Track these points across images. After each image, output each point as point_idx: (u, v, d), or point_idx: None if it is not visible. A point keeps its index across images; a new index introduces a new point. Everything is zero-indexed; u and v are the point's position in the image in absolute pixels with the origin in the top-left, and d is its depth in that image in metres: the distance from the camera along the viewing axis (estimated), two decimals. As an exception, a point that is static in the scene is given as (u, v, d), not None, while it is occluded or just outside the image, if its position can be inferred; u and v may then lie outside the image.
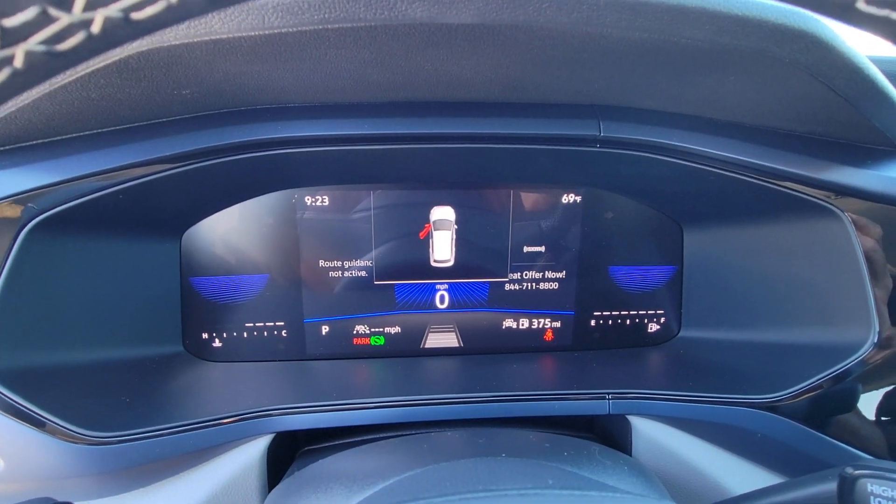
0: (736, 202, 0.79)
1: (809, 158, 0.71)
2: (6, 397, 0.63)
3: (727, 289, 0.86)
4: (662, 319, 0.92)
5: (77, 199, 0.66)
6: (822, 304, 0.77)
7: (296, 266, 0.84)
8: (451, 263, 0.87)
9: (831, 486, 0.49)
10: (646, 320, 0.92)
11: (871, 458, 0.74)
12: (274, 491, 0.63)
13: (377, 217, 0.84)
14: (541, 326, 0.92)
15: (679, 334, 0.92)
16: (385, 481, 0.53)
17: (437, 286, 0.88)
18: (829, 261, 0.74)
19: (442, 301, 0.89)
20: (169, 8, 0.23)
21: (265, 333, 0.86)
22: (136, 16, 0.23)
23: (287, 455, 0.78)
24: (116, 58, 0.53)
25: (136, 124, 0.69)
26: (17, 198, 0.63)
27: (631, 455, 0.77)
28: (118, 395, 0.72)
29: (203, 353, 0.85)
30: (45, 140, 0.67)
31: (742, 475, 0.76)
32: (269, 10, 0.49)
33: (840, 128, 0.71)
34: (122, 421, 0.68)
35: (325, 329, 0.88)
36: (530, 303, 0.90)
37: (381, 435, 0.75)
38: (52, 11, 0.21)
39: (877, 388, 0.76)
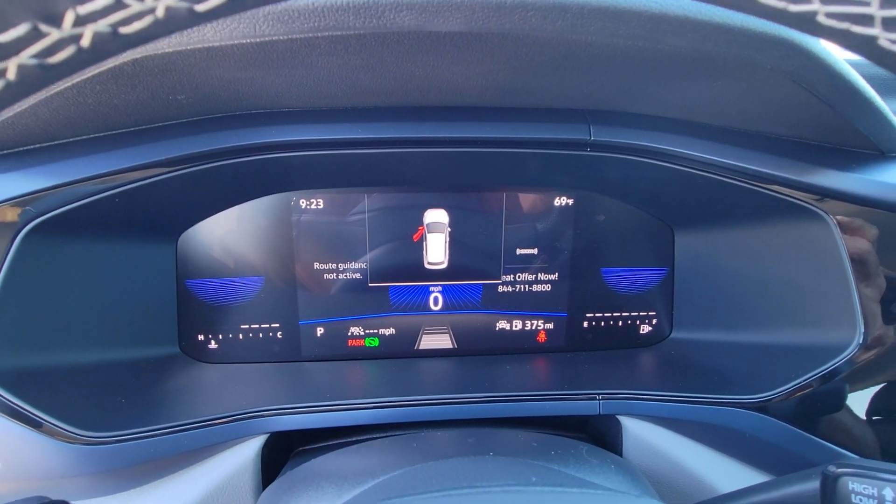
0: (725, 205, 0.80)
1: (795, 162, 0.72)
2: (3, 398, 0.64)
3: (717, 291, 0.87)
4: (654, 321, 0.93)
5: (74, 202, 0.66)
6: (809, 305, 0.78)
7: (291, 268, 0.85)
8: (444, 266, 0.88)
9: (814, 485, 0.50)
10: (637, 322, 0.93)
11: (855, 456, 0.75)
12: (266, 490, 0.64)
13: (371, 220, 0.85)
14: (534, 328, 0.92)
15: (670, 336, 0.93)
16: (374, 479, 0.54)
17: (431, 288, 0.89)
18: (816, 263, 0.75)
19: (436, 303, 0.90)
20: (156, 23, 0.24)
21: (261, 335, 0.87)
22: (124, 30, 0.24)
23: (282, 455, 0.79)
24: (111, 65, 0.54)
25: (133, 129, 0.69)
26: (15, 201, 0.64)
27: (622, 455, 0.77)
28: (115, 396, 0.73)
29: (199, 354, 0.86)
30: (43, 144, 0.68)
31: (731, 475, 0.77)
32: (260, 19, 0.50)
33: (825, 132, 0.73)
34: (118, 421, 0.69)
35: (320, 331, 0.89)
36: (523, 304, 0.91)
37: (375, 435, 0.75)
38: (43, 27, 0.22)
39: (863, 389, 0.77)
